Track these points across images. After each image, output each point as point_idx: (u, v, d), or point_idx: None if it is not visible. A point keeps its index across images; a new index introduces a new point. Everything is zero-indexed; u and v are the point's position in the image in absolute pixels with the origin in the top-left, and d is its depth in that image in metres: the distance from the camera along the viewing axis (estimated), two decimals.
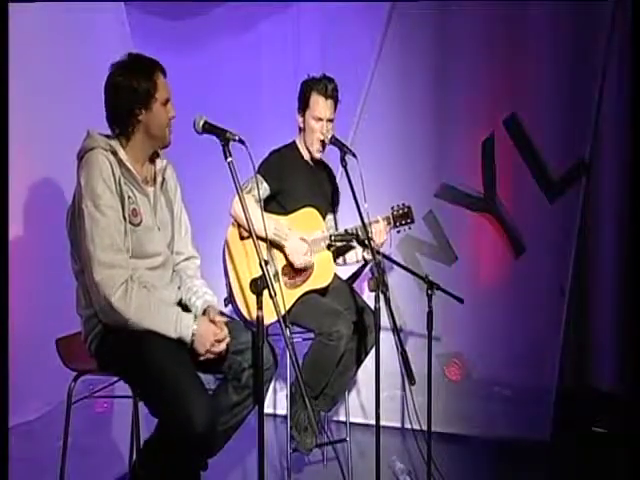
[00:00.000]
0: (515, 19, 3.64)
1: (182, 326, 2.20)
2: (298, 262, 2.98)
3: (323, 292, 3.10)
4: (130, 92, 2.22)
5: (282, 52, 4.02)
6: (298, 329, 3.03)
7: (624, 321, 3.59)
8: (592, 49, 3.55)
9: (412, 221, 3.12)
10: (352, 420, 3.37)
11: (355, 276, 3.61)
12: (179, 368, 2.12)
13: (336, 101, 3.08)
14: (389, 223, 3.07)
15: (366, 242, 2.61)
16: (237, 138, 2.20)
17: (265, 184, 2.99)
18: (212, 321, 2.29)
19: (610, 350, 3.66)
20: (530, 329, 3.62)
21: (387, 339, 2.72)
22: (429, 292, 2.69)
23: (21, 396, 2.82)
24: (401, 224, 3.10)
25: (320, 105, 3.03)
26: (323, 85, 3.03)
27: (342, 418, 3.60)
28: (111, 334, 2.23)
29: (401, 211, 3.10)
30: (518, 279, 3.70)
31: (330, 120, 3.06)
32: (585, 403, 3.63)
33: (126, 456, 2.71)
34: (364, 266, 3.33)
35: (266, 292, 2.08)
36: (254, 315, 2.13)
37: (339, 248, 3.12)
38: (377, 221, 3.02)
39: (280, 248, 3.00)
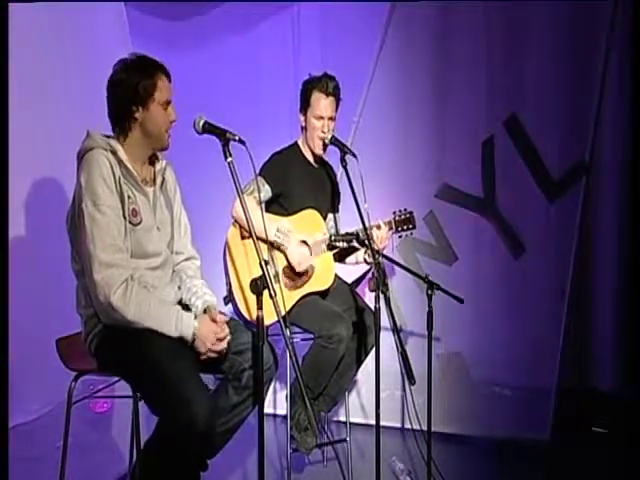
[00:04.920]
0: (515, 19, 3.64)
1: (183, 325, 2.20)
2: (298, 268, 2.98)
3: (323, 293, 3.10)
4: (129, 89, 2.23)
5: (282, 52, 4.01)
6: (297, 330, 3.03)
7: (624, 321, 3.60)
8: (592, 49, 3.55)
9: (414, 227, 3.11)
10: (352, 420, 3.37)
11: (359, 281, 3.62)
12: (180, 367, 2.12)
13: (337, 99, 3.07)
14: (391, 228, 3.06)
15: (366, 242, 2.61)
16: (237, 138, 2.20)
17: (267, 186, 2.99)
18: (213, 320, 2.29)
19: (610, 350, 3.67)
20: (530, 329, 3.62)
21: (387, 339, 2.73)
22: (429, 292, 2.69)
23: (21, 396, 2.81)
24: (403, 229, 3.10)
25: (321, 103, 3.03)
26: (324, 83, 3.03)
27: (342, 418, 3.60)
28: (111, 334, 2.22)
29: (403, 216, 3.09)
30: (518, 279, 3.70)
31: (331, 118, 3.05)
32: (585, 403, 3.63)
33: (126, 456, 2.71)
34: (368, 271, 3.33)
35: (266, 292, 2.08)
36: (254, 315, 2.13)
37: (341, 250, 3.11)
38: (379, 226, 3.02)
39: (281, 249, 3.00)
